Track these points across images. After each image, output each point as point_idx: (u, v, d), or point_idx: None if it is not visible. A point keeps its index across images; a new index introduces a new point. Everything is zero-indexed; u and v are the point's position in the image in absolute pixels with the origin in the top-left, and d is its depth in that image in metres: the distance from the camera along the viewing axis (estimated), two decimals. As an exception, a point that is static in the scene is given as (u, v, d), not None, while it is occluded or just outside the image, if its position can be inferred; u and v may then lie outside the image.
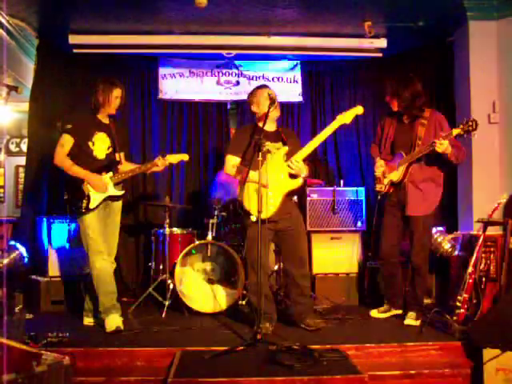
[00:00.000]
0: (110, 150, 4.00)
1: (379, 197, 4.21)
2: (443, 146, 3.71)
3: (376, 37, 5.23)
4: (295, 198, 4.27)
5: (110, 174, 3.94)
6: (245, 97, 5.73)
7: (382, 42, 5.30)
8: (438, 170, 4.03)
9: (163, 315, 4.31)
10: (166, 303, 4.39)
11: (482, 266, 4.11)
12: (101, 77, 4.07)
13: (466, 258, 4.26)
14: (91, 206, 3.83)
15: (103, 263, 3.84)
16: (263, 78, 5.82)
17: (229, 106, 5.88)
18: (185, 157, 4.27)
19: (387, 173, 4.10)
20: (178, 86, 5.75)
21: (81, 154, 3.88)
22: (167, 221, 4.65)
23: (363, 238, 4.99)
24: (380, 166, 4.14)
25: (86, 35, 5.17)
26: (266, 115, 3.68)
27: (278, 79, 5.83)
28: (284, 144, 3.84)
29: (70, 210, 3.90)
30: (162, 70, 5.74)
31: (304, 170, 3.78)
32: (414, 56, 5.63)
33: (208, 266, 4.60)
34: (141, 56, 5.62)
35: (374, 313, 4.28)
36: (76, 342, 3.35)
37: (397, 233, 4.16)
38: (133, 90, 5.67)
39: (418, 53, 5.60)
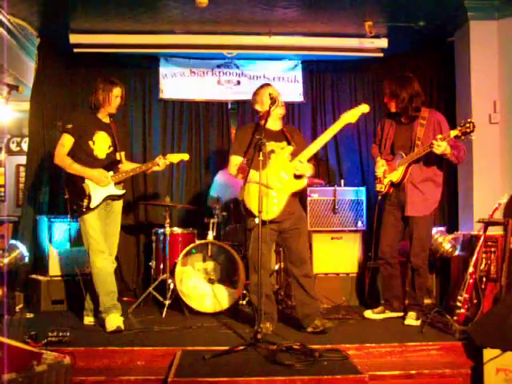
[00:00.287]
0: (111, 149, 4.01)
1: (379, 197, 4.21)
2: (441, 147, 3.71)
3: (377, 37, 5.23)
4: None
5: (111, 173, 3.95)
6: (245, 96, 5.79)
7: (383, 42, 5.30)
8: (438, 170, 4.04)
9: (163, 315, 4.32)
10: (167, 303, 4.39)
11: (483, 266, 4.10)
12: (101, 76, 4.08)
13: (466, 258, 4.26)
14: (92, 205, 3.83)
15: (104, 263, 3.84)
16: (264, 77, 5.82)
17: (229, 106, 5.88)
18: (185, 156, 4.28)
19: (387, 173, 4.10)
20: (179, 85, 5.75)
21: (81, 153, 3.89)
22: (168, 220, 4.65)
23: (364, 238, 4.98)
24: (381, 166, 4.14)
25: (86, 35, 5.17)
26: (267, 114, 3.67)
27: (279, 79, 5.83)
28: (288, 143, 3.81)
29: (70, 210, 3.90)
30: (162, 70, 5.73)
31: (309, 170, 3.74)
32: (414, 56, 5.64)
33: (208, 265, 4.60)
34: (141, 56, 5.62)
35: (368, 313, 4.24)
36: (76, 342, 3.35)
37: (396, 233, 4.17)
38: (133, 90, 5.67)
39: (419, 53, 5.61)
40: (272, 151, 3.74)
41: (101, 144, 3.95)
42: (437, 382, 3.16)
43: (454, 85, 5.21)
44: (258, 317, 3.37)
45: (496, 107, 4.76)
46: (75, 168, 3.84)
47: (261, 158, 3.41)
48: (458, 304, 3.78)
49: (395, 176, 4.05)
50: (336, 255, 4.93)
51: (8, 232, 5.32)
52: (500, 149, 4.76)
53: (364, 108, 3.76)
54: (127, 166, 4.10)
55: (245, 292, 4.57)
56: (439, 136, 3.75)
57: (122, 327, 3.72)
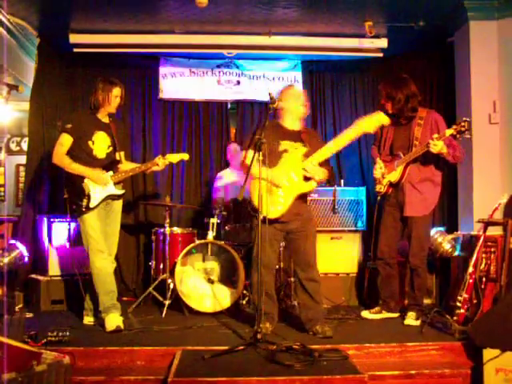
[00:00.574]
0: (110, 149, 4.00)
1: (379, 197, 4.22)
2: (437, 146, 3.73)
3: (377, 37, 5.23)
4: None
5: (111, 173, 3.94)
6: (245, 96, 5.81)
7: (383, 42, 5.30)
8: (436, 170, 4.05)
9: (163, 315, 4.31)
10: (167, 303, 4.39)
11: (483, 266, 4.11)
12: (101, 76, 4.08)
13: (466, 258, 4.27)
14: (91, 205, 3.83)
15: (103, 262, 3.84)
16: (264, 77, 5.83)
17: (229, 106, 5.88)
18: (185, 156, 4.27)
19: (386, 174, 4.11)
20: (179, 85, 5.75)
21: (81, 153, 3.88)
22: (167, 220, 4.65)
23: (364, 238, 4.98)
24: (379, 168, 4.15)
25: (86, 34, 5.17)
26: (268, 113, 3.65)
27: (279, 79, 5.83)
28: (304, 145, 3.73)
29: (70, 209, 3.90)
30: (162, 70, 5.74)
31: (320, 174, 3.66)
32: (414, 56, 5.64)
33: (208, 265, 4.60)
34: (141, 55, 5.62)
35: (366, 313, 4.25)
36: (76, 342, 3.35)
37: (396, 233, 4.17)
38: (133, 90, 5.67)
39: (419, 53, 5.61)
40: (285, 150, 3.69)
41: (100, 144, 3.95)
42: (436, 382, 3.16)
43: (453, 85, 5.21)
44: (258, 316, 3.36)
45: (496, 107, 4.76)
46: (74, 167, 3.84)
47: (261, 157, 3.39)
48: (458, 304, 3.78)
49: (394, 176, 4.06)
50: (336, 255, 4.93)
51: (8, 232, 5.33)
52: (500, 149, 4.76)
53: (383, 119, 3.60)
54: (127, 166, 4.10)
55: (245, 292, 4.57)
56: (435, 135, 3.77)
57: (122, 327, 3.72)
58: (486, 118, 4.76)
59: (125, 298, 5.07)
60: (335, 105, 5.89)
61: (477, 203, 4.71)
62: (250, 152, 3.62)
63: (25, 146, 5.75)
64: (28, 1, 4.61)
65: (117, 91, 3.92)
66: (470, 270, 3.83)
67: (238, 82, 5.81)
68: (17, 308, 4.51)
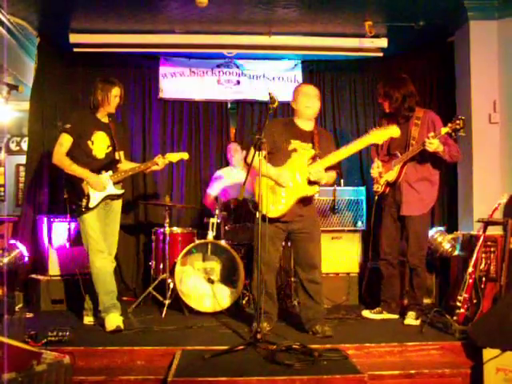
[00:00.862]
0: (110, 149, 4.00)
1: (376, 197, 4.22)
2: (433, 145, 3.74)
3: (377, 36, 5.23)
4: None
5: (110, 172, 3.95)
6: (245, 96, 5.80)
7: (383, 42, 5.30)
8: (433, 169, 4.05)
9: (163, 314, 4.31)
10: (166, 302, 4.39)
11: (482, 265, 4.11)
12: (100, 76, 4.07)
13: (466, 257, 4.27)
14: (91, 204, 3.83)
15: (103, 262, 3.84)
16: (264, 77, 5.82)
17: (229, 106, 5.88)
18: (185, 155, 4.27)
19: (384, 173, 4.11)
20: (179, 85, 5.75)
21: (80, 153, 3.88)
22: (167, 220, 4.64)
23: (363, 238, 4.98)
24: (376, 167, 4.16)
25: (86, 34, 5.16)
26: (268, 113, 3.64)
27: (279, 79, 5.83)
28: (313, 147, 3.69)
29: (69, 209, 3.90)
30: (162, 69, 5.73)
31: (325, 179, 3.64)
32: (414, 56, 5.63)
33: (208, 265, 4.60)
34: (141, 55, 5.62)
35: (367, 313, 4.25)
36: (76, 341, 3.35)
37: (396, 233, 4.18)
38: (133, 89, 5.67)
39: (419, 52, 5.60)
40: (294, 150, 3.65)
41: (100, 144, 3.94)
42: (436, 381, 3.16)
43: (453, 85, 5.20)
44: (257, 316, 3.36)
45: (496, 107, 4.76)
46: (74, 169, 3.83)
47: (261, 157, 3.39)
48: (458, 304, 3.78)
49: (391, 176, 4.06)
50: (336, 255, 4.93)
51: (8, 232, 5.32)
52: (500, 149, 4.76)
53: (395, 132, 3.61)
54: (126, 166, 4.10)
55: (244, 292, 4.57)
56: (431, 134, 3.78)
57: (122, 327, 3.72)
58: (486, 117, 4.76)
59: (125, 298, 5.06)
60: (335, 105, 5.88)
61: (477, 203, 4.71)
62: (253, 150, 3.60)
63: (25, 145, 5.75)
64: (28, 1, 4.60)
65: (116, 91, 3.92)
66: (470, 269, 3.83)
67: (238, 82, 5.81)
68: (17, 308, 4.51)
